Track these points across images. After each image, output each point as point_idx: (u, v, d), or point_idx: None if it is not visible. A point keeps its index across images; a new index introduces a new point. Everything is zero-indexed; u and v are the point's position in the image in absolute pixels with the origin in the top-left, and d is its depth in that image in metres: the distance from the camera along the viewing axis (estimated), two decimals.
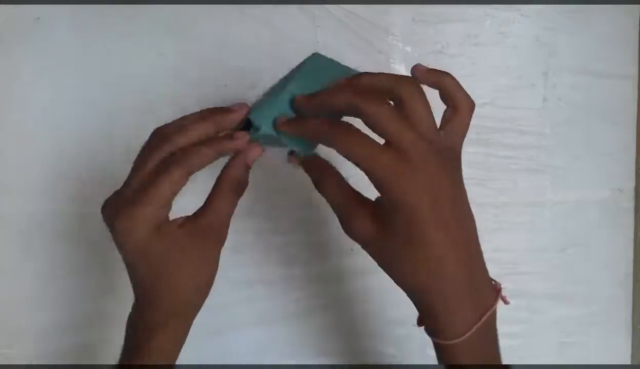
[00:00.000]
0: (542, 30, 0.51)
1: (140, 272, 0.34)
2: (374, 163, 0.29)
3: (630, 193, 0.54)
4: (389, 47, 0.50)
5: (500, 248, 0.52)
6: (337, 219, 0.49)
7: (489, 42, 0.51)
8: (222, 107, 0.36)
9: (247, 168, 0.35)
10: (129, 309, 0.48)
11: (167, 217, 0.33)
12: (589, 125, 0.53)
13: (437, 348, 0.32)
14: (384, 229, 0.30)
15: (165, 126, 0.35)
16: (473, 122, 0.51)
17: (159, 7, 0.47)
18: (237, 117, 0.35)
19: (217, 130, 0.34)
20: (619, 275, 0.54)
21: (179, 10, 0.47)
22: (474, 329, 0.30)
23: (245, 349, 0.49)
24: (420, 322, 0.33)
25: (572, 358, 0.54)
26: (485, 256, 0.52)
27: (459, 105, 0.33)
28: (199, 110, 0.36)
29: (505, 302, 0.32)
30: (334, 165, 0.34)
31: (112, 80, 0.47)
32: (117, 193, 0.34)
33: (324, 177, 0.33)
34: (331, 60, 0.39)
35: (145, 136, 0.47)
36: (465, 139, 0.51)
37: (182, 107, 0.47)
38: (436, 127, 0.32)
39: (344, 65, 0.39)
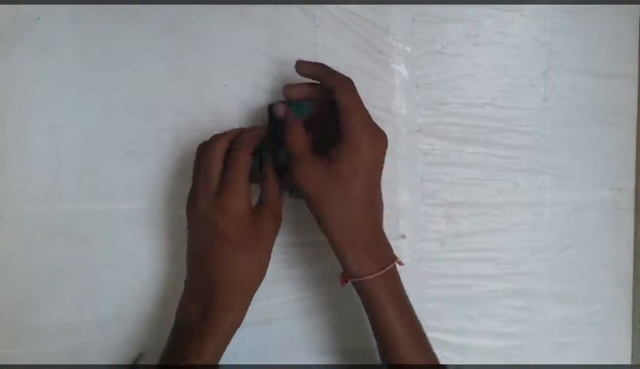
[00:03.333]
0: (542, 30, 0.51)
1: (228, 245, 0.39)
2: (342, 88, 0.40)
3: (630, 193, 0.54)
4: (389, 47, 0.50)
5: (500, 248, 0.52)
6: None
7: (489, 42, 0.51)
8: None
9: None
10: (129, 310, 0.48)
11: None
12: (589, 125, 0.53)
13: (356, 288, 0.41)
14: (320, 193, 0.39)
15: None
16: (473, 122, 0.51)
17: (159, 7, 0.47)
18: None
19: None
20: (619, 274, 0.54)
21: (179, 10, 0.47)
22: (379, 273, 0.40)
23: (245, 349, 0.49)
24: (342, 280, 0.42)
25: (572, 358, 0.54)
26: (486, 256, 0.53)
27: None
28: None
29: (400, 264, 0.42)
30: None
31: (112, 80, 0.47)
32: (200, 189, 0.40)
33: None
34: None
35: (144, 136, 0.47)
36: (465, 139, 0.52)
37: (181, 107, 0.48)
38: None
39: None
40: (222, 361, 0.49)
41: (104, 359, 0.48)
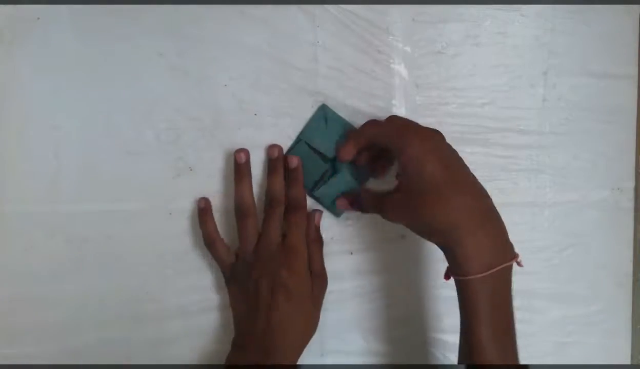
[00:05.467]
0: (542, 31, 0.51)
1: (292, 299, 0.43)
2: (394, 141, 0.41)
3: (630, 193, 0.54)
4: (389, 47, 0.50)
5: None
6: (336, 221, 0.49)
7: (489, 42, 0.51)
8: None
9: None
10: (129, 310, 0.48)
11: None
12: (589, 125, 0.53)
13: (458, 286, 0.39)
14: (407, 198, 0.39)
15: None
16: (473, 122, 0.51)
17: (159, 7, 0.47)
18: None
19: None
20: (619, 274, 0.54)
21: (179, 10, 0.47)
22: (489, 272, 0.37)
23: None
24: (446, 275, 0.40)
25: (571, 358, 0.54)
26: None
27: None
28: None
29: (520, 265, 0.39)
30: None
31: (111, 80, 0.47)
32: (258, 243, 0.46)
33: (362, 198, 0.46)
34: (334, 113, 0.49)
35: (144, 136, 0.47)
36: (465, 139, 0.52)
37: (181, 107, 0.48)
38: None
39: (344, 120, 0.49)
40: (222, 361, 0.49)
41: (104, 359, 0.48)
